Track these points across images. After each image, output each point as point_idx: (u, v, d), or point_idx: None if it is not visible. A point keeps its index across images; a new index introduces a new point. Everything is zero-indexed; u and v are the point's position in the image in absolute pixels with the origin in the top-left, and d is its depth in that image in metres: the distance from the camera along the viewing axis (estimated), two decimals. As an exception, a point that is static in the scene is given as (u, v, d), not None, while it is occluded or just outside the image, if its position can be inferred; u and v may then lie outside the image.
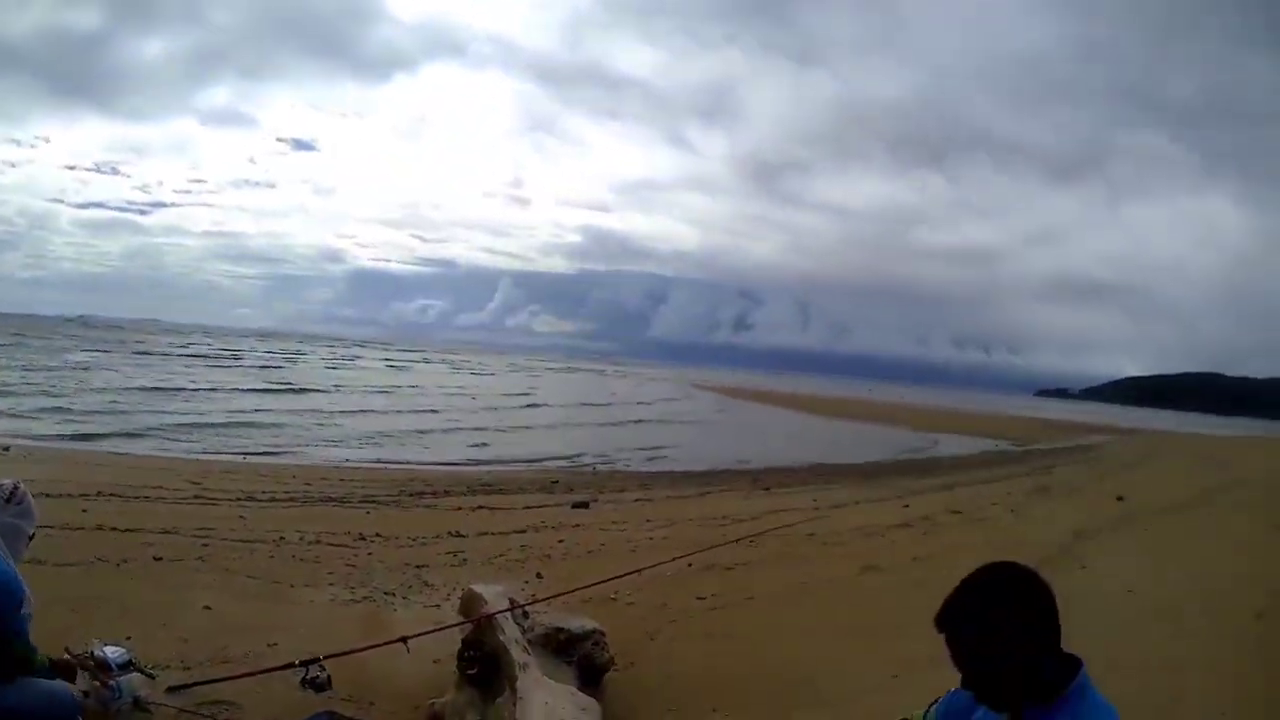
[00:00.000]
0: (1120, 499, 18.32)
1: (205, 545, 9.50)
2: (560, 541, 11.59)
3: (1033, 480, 23.56)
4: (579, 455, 25.90)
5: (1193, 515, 16.69)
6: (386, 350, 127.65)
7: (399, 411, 36.80)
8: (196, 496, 12.59)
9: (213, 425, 25.42)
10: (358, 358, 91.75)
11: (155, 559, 8.68)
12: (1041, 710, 2.62)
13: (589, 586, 7.87)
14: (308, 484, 15.15)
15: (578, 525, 12.92)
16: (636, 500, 16.38)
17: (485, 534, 11.84)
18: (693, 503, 16.54)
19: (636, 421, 42.18)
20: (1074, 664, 2.65)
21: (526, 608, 6.05)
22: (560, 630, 5.91)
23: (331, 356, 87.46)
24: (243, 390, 38.15)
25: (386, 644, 5.91)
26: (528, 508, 14.45)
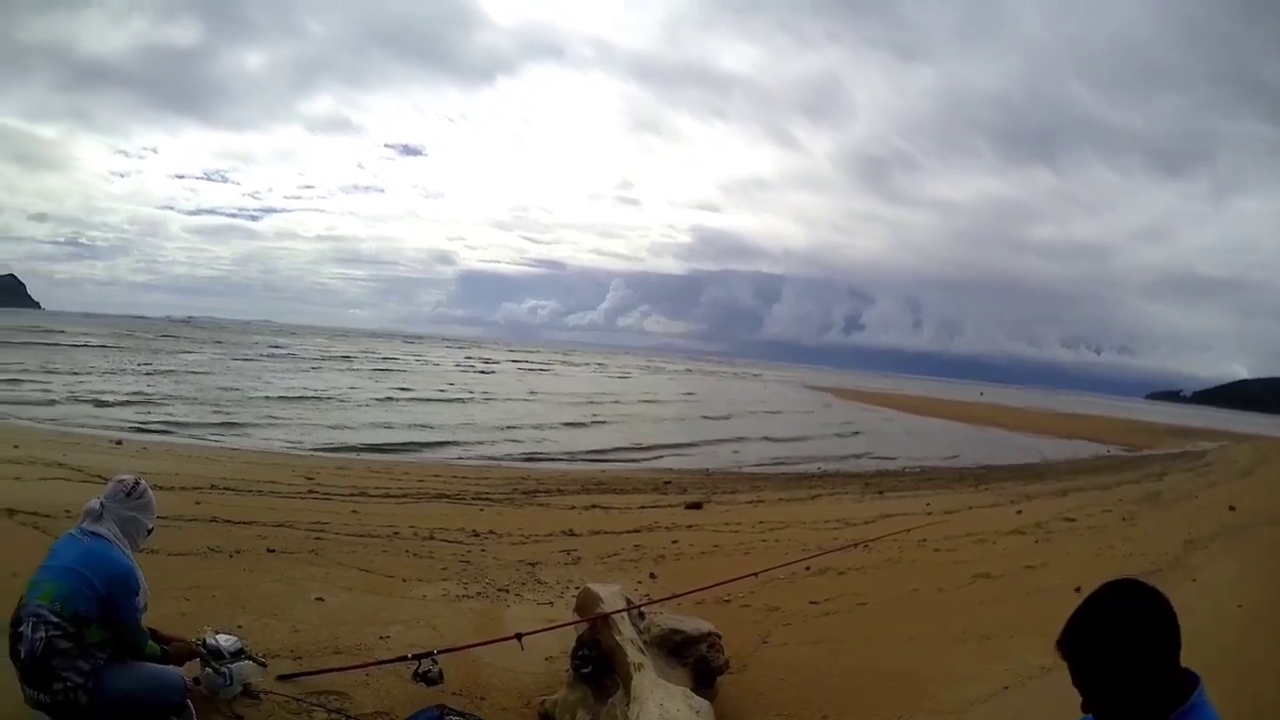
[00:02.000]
0: (1232, 509, 17.74)
1: (318, 539, 9.72)
2: (674, 542, 11.62)
3: (1144, 487, 22.92)
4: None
5: None
6: (505, 351, 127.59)
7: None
8: (310, 491, 12.92)
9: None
10: (490, 361, 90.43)
11: (269, 550, 8.91)
12: None
13: (704, 589, 7.94)
14: (420, 480, 15.43)
15: (691, 526, 12.94)
16: (749, 502, 16.33)
17: (599, 533, 11.94)
18: (805, 505, 16.44)
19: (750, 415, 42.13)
20: (1191, 680, 2.65)
21: (642, 608, 6.06)
22: (676, 632, 5.90)
23: (461, 362, 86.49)
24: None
25: (500, 640, 5.95)
26: (641, 508, 14.52)
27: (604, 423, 34.60)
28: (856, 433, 40.79)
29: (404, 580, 8.49)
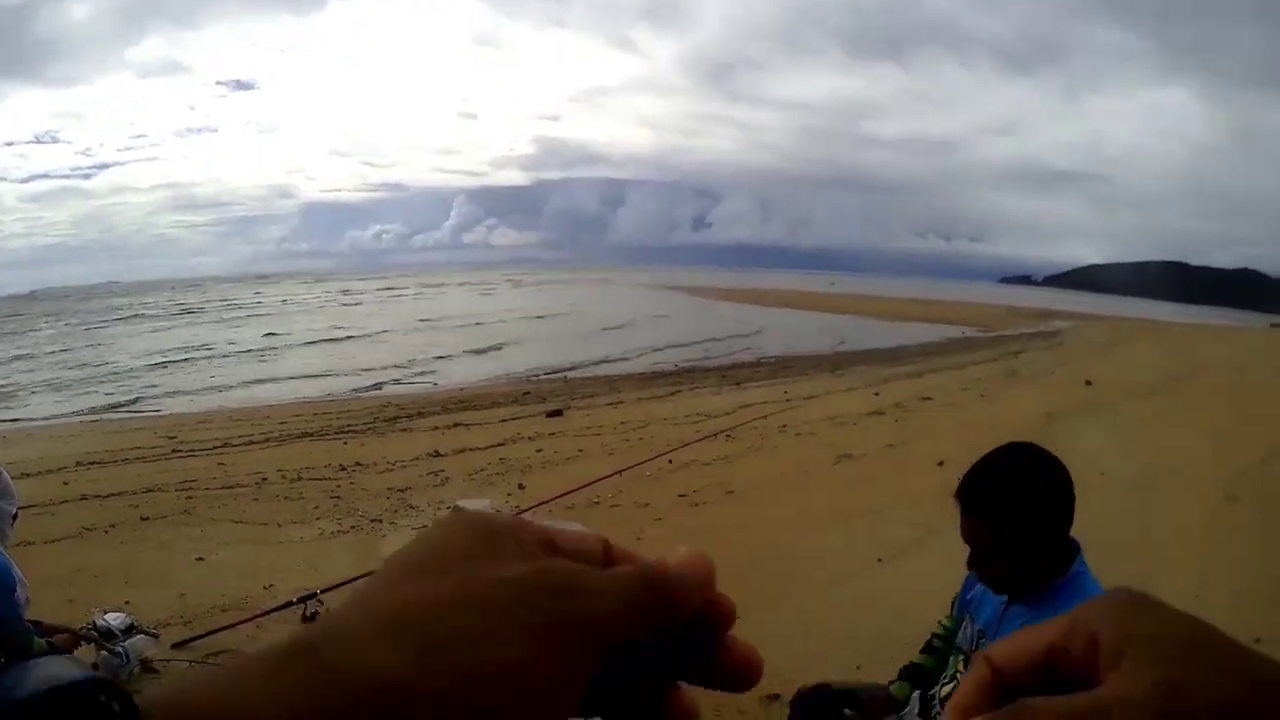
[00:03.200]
0: (1088, 383, 18.63)
1: (189, 498, 9.46)
2: (539, 451, 11.58)
3: (1001, 365, 23.85)
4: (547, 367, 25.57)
5: (1159, 400, 16.97)
6: (359, 281, 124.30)
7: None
8: (174, 451, 12.42)
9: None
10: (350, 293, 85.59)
11: (142, 519, 8.65)
12: (1040, 595, 2.69)
13: (573, 491, 7.88)
14: (282, 422, 15.05)
15: (554, 433, 12.90)
16: (609, 404, 16.35)
17: (464, 450, 11.80)
18: (664, 402, 16.53)
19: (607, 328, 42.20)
20: (1073, 547, 2.72)
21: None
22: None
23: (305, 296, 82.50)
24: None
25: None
26: (503, 421, 14.39)
27: (508, 344, 32.81)
28: (711, 331, 41.19)
29: (279, 526, 8.40)
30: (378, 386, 22.13)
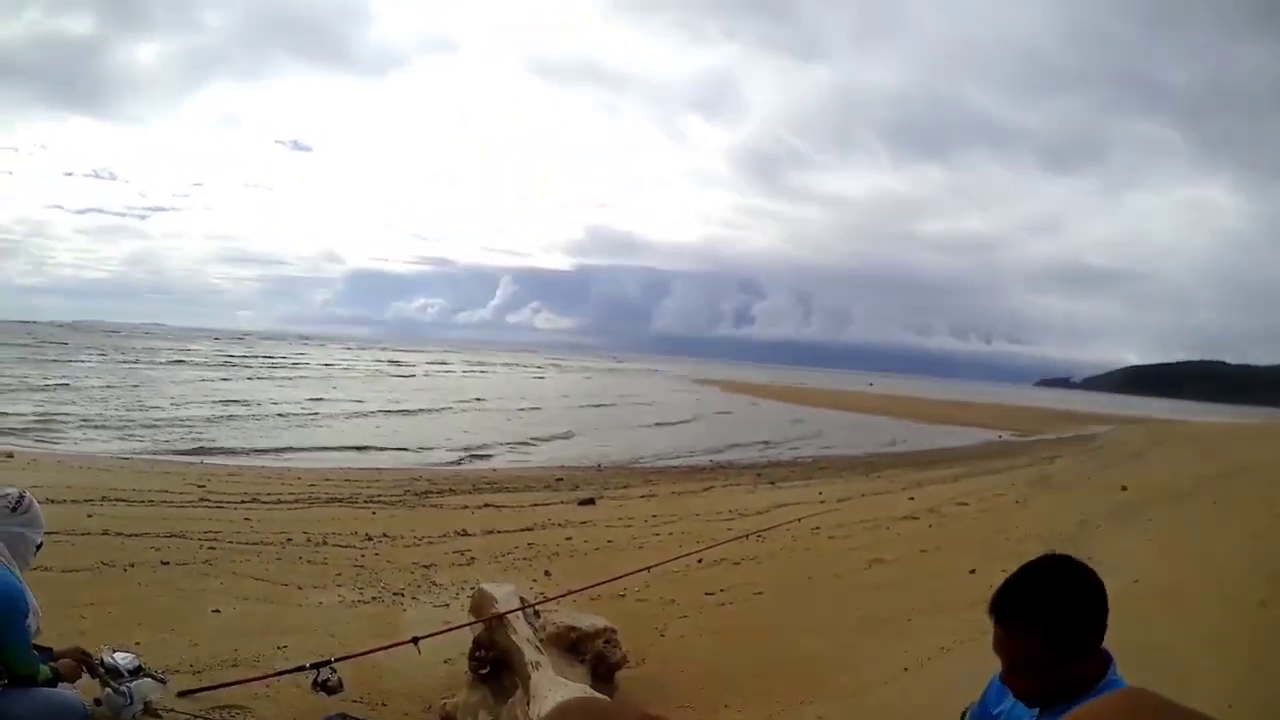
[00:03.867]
0: (1124, 489, 18.48)
1: (212, 549, 9.53)
2: (568, 539, 11.64)
3: (1036, 471, 23.71)
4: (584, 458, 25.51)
5: (1196, 504, 16.81)
6: (401, 351, 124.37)
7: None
8: (201, 500, 12.57)
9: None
10: (398, 364, 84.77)
11: (163, 563, 8.71)
12: (1068, 705, 2.76)
13: (599, 585, 7.94)
14: (312, 485, 15.19)
15: (584, 522, 12.99)
16: (642, 496, 16.41)
17: (492, 532, 11.89)
18: (698, 498, 16.57)
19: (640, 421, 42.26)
20: (1104, 659, 2.76)
21: (537, 606, 6.07)
22: (572, 629, 5.93)
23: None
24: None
25: (397, 645, 5.95)
26: (534, 505, 14.50)
27: (575, 434, 32.40)
28: (743, 425, 41.17)
29: (299, 588, 8.44)
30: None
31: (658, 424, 38.78)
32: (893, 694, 6.68)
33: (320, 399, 37.51)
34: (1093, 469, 24.41)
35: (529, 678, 4.96)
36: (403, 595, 8.56)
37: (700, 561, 10.21)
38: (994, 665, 3.04)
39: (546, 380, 79.89)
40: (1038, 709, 2.76)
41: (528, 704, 4.78)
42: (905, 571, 10.58)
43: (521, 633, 5.40)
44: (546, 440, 28.91)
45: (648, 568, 8.10)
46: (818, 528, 12.88)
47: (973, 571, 9.87)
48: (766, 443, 32.38)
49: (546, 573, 9.73)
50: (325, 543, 10.44)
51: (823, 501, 15.94)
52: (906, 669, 7.13)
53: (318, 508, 13.04)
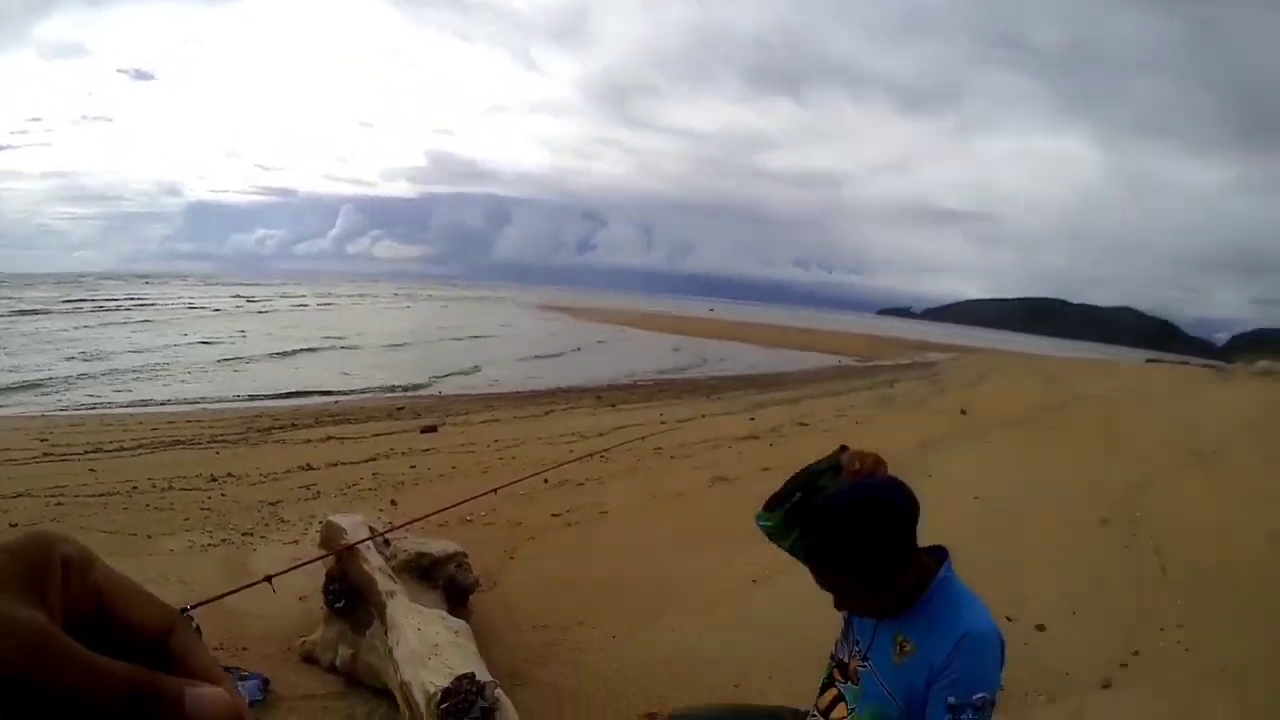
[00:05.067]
0: (963, 412, 19.49)
1: (59, 505, 9.19)
2: (412, 467, 11.60)
3: (877, 394, 24.66)
4: (427, 383, 25.18)
5: (1033, 430, 17.92)
6: (251, 286, 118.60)
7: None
8: (45, 455, 12.02)
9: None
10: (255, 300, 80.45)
11: (11, 525, 8.34)
12: (910, 608, 2.96)
13: (446, 510, 7.90)
14: (154, 429, 14.75)
15: (428, 450, 12.92)
16: (484, 422, 16.37)
17: (336, 465, 11.74)
18: (540, 422, 16.64)
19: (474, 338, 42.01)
20: (939, 555, 2.93)
21: (386, 535, 6.00)
22: (423, 555, 5.94)
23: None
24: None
25: (251, 586, 5.89)
26: (376, 435, 14.35)
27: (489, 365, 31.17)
28: (582, 348, 41.35)
29: (149, 537, 8.19)
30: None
31: (538, 356, 38.48)
32: (742, 605, 7.02)
33: (177, 344, 35.77)
34: (932, 394, 25.51)
35: (384, 606, 4.99)
36: (252, 535, 8.44)
37: (546, 482, 10.31)
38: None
39: (411, 310, 78.39)
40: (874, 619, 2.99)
41: (385, 633, 4.80)
42: (747, 489, 10.87)
43: (373, 562, 5.40)
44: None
45: (494, 490, 8.15)
46: (660, 448, 13.14)
47: None
48: (604, 366, 32.61)
49: (393, 502, 9.69)
50: (171, 488, 10.10)
51: (663, 423, 16.22)
52: (755, 580, 7.48)
53: (161, 451, 12.58)
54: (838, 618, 3.35)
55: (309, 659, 5.53)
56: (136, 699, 0.59)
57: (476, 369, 27.93)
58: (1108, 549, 9.33)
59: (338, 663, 5.27)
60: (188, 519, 8.90)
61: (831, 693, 3.28)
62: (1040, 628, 6.91)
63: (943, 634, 2.80)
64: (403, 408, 18.39)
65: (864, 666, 3.08)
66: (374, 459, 12.07)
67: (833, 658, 3.32)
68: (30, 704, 0.56)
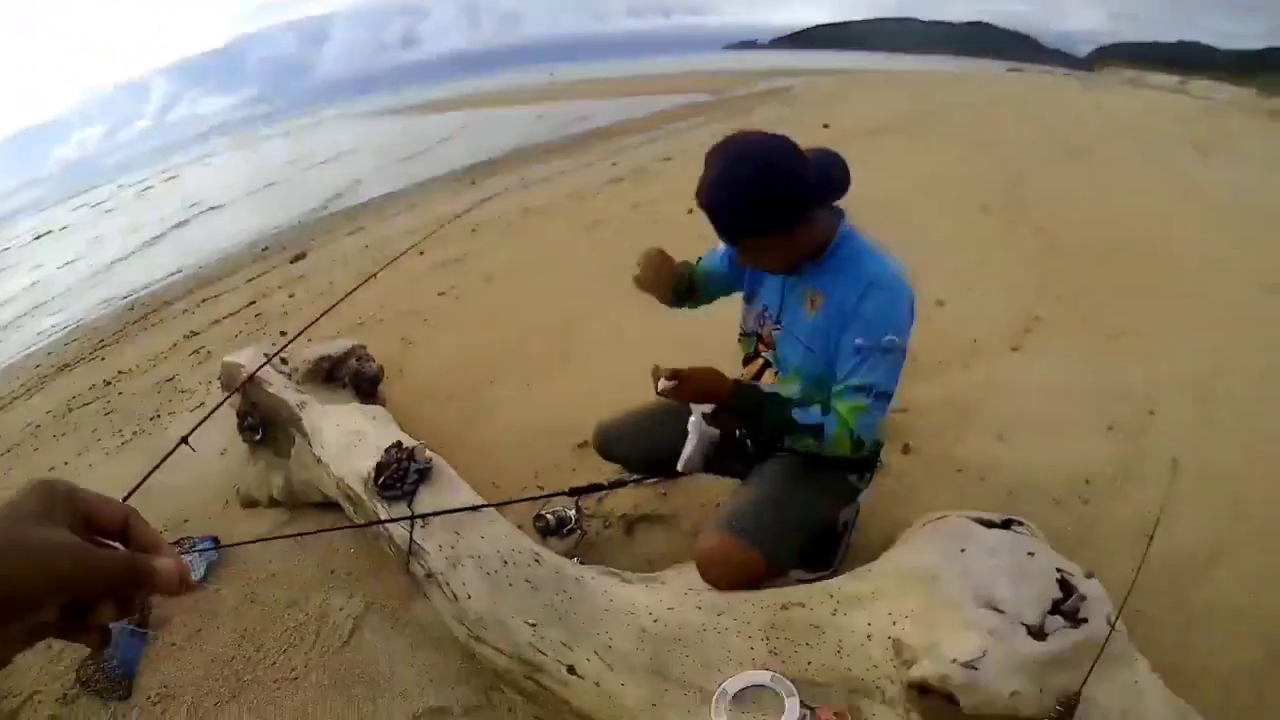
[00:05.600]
0: (826, 126, 19.79)
1: None
2: (291, 296, 11.51)
3: (736, 122, 24.52)
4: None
5: (900, 135, 18.36)
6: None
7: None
8: None
9: None
10: None
11: None
12: (816, 262, 3.11)
13: (330, 310, 7.78)
14: (38, 366, 14.17)
15: (302, 276, 12.77)
16: (349, 234, 16.07)
17: (218, 321, 11.55)
18: (406, 218, 16.28)
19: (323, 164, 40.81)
20: (837, 214, 3.16)
21: (280, 355, 5.93)
22: (322, 358, 5.86)
23: None
24: None
25: (169, 456, 5.75)
26: (249, 281, 13.96)
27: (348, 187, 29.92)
28: (436, 143, 40.60)
29: (66, 464, 7.90)
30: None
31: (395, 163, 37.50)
32: (644, 330, 7.32)
33: (36, 281, 33.55)
34: (791, 114, 25.62)
35: (299, 419, 4.99)
36: (159, 416, 8.34)
37: (423, 255, 10.43)
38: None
39: (256, 156, 75.37)
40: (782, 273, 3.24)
41: (309, 444, 4.80)
42: (623, 227, 11.38)
43: (277, 384, 5.41)
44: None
45: (373, 275, 8.06)
46: (527, 208, 13.20)
47: (690, 211, 10.49)
48: (455, 149, 32.08)
49: (282, 333, 9.50)
50: (70, 410, 9.79)
51: (526, 186, 16.24)
52: (644, 314, 7.71)
53: (51, 383, 12.18)
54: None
55: (249, 504, 5.59)
56: (128, 574, 0.93)
57: (338, 196, 27.24)
58: (994, 232, 9.96)
59: (276, 494, 5.32)
60: (95, 430, 8.72)
61: (756, 363, 3.43)
62: (940, 303, 7.43)
63: (851, 280, 3.01)
64: (267, 247, 17.93)
65: (778, 329, 3.29)
66: (252, 302, 11.89)
67: (745, 334, 3.46)
68: (80, 593, 0.91)
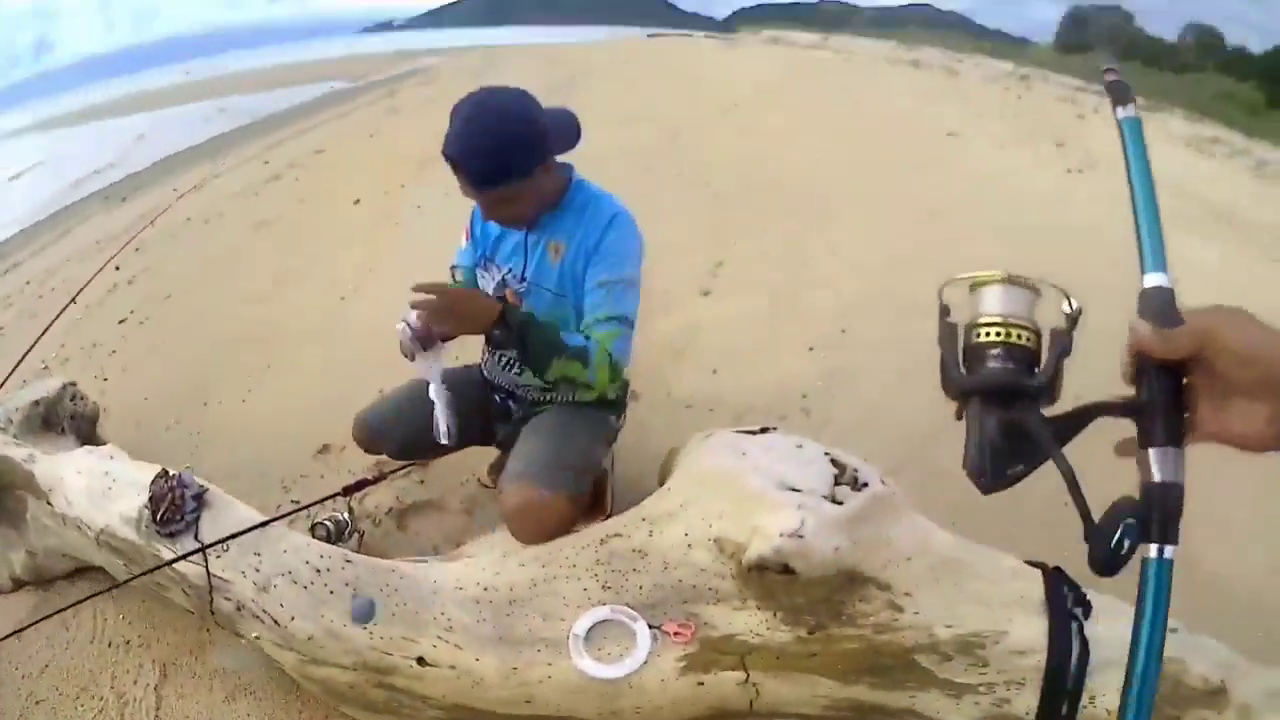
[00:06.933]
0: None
1: None
2: None
3: (382, 105, 24.64)
4: None
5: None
6: None
7: None
8: None
9: None
10: None
11: None
12: (552, 213, 3.36)
13: (32, 347, 7.09)
14: None
15: None
16: (4, 274, 14.98)
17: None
18: (63, 246, 14.99)
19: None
20: (566, 167, 3.46)
21: None
22: (34, 404, 5.12)
23: None
24: None
25: None
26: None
27: None
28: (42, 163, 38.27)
29: None
30: None
31: None
32: (343, 323, 7.48)
33: None
34: (436, 93, 25.75)
35: (31, 475, 4.40)
36: None
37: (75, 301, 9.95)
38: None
39: None
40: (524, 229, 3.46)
41: (48, 501, 4.25)
42: (293, 224, 11.32)
43: None
44: None
45: (71, 300, 7.32)
46: (188, 218, 12.65)
47: (357, 202, 11.42)
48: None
49: None
50: None
51: (179, 194, 15.67)
52: (343, 298, 8.05)
53: None
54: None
55: None
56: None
57: None
58: (660, 189, 10.58)
59: (19, 573, 4.66)
60: None
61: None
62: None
63: (592, 221, 3.34)
64: None
65: (522, 285, 3.51)
66: None
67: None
68: None
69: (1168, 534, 1.20)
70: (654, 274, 7.31)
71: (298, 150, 17.49)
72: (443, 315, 2.98)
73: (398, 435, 3.94)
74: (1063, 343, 1.38)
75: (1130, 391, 1.25)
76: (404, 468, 4.38)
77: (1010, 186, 10.94)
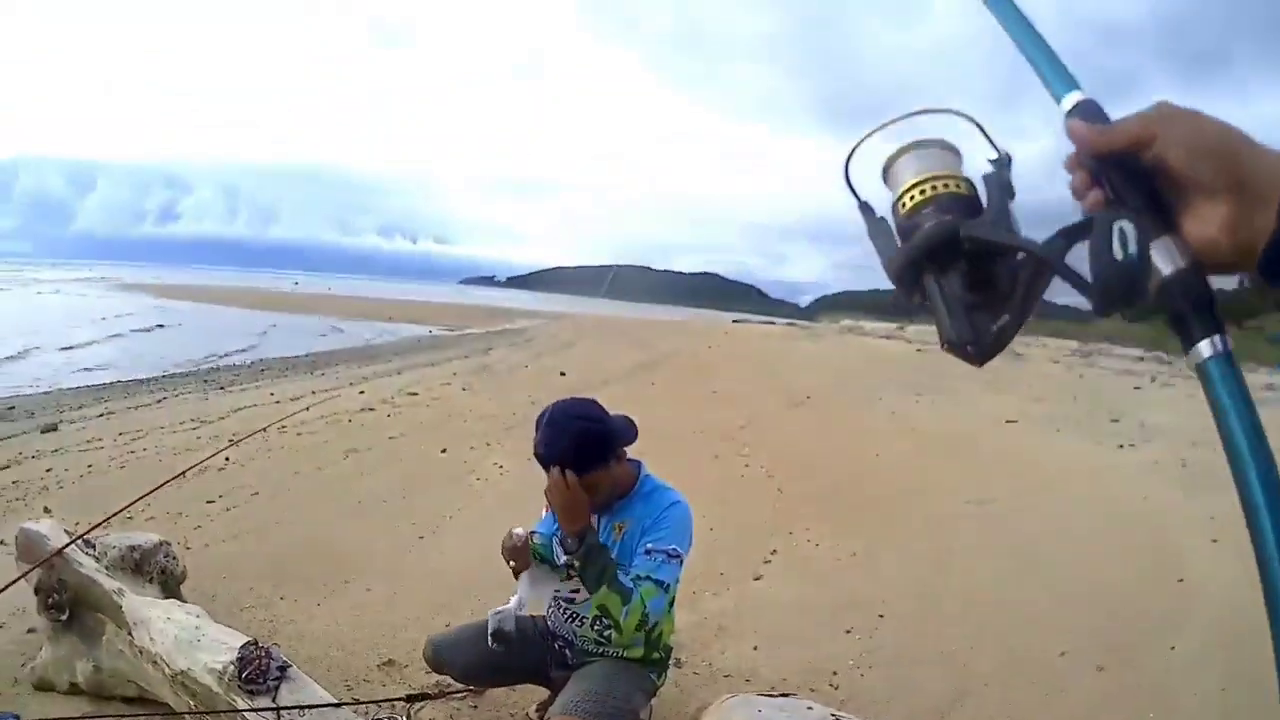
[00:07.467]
0: (563, 374, 22.06)
1: None
2: (49, 470, 11.09)
3: (474, 361, 26.11)
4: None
5: (630, 385, 20.68)
6: None
7: None
8: None
9: None
10: None
11: None
12: (623, 500, 4.17)
13: (139, 500, 7.21)
14: None
15: (57, 450, 12.40)
16: (100, 415, 15.86)
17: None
18: (156, 410, 16.18)
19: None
20: (637, 463, 4.22)
21: (88, 535, 5.41)
22: (134, 548, 5.68)
23: None
24: None
25: None
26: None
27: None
28: (174, 324, 39.99)
29: None
30: None
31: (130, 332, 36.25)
32: (419, 559, 8.08)
33: None
34: (528, 358, 27.51)
35: (118, 607, 4.84)
36: None
37: (185, 477, 10.38)
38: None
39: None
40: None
41: (129, 634, 4.70)
42: (381, 457, 12.09)
43: (88, 565, 5.19)
44: None
45: (181, 474, 7.76)
46: (283, 427, 13.53)
47: (444, 451, 12.23)
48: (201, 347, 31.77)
49: (46, 509, 9.14)
50: None
51: (277, 401, 16.62)
52: (421, 537, 8.66)
53: None
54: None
55: (43, 686, 5.23)
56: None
57: (86, 370, 26.27)
58: (725, 478, 11.62)
59: (80, 680, 5.07)
60: None
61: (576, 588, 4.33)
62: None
63: (655, 507, 4.11)
64: (13, 407, 17.35)
65: None
66: (6, 467, 11.37)
67: (556, 566, 4.29)
68: None
69: (1209, 324, 1.00)
70: (712, 556, 8.66)
71: (391, 388, 18.82)
72: (561, 495, 3.70)
73: (460, 662, 4.50)
74: (1000, 181, 1.20)
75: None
76: (463, 691, 4.91)
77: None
